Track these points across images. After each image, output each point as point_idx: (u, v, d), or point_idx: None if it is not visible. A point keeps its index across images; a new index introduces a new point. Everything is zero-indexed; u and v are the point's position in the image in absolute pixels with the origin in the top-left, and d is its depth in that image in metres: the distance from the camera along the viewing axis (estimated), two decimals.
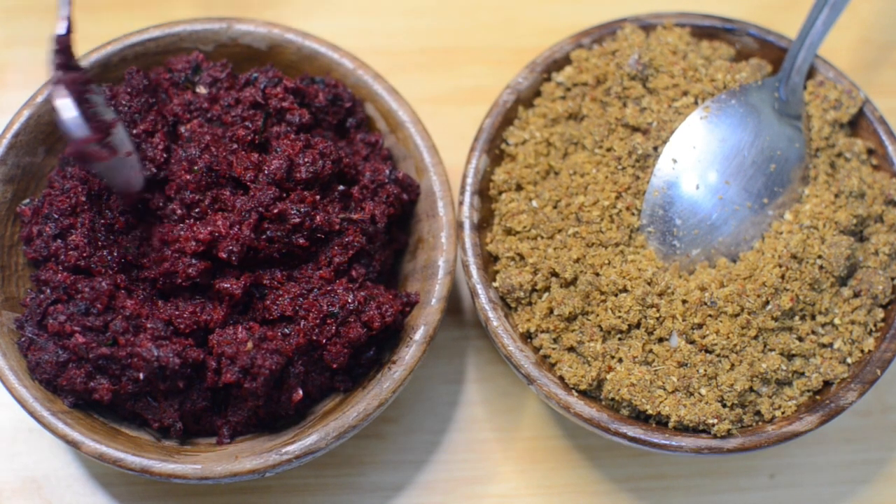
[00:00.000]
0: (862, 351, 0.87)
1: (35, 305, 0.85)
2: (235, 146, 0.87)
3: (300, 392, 0.85)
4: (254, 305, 0.85)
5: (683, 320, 0.85)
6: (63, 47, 0.82)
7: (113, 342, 0.83)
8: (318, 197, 0.85)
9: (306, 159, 0.85)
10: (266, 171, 0.85)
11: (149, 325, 0.83)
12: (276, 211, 0.84)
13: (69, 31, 0.82)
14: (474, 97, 1.02)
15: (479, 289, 0.88)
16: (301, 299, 0.84)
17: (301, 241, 0.85)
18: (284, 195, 0.85)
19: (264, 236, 0.84)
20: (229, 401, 0.85)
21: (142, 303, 0.84)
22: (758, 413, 0.86)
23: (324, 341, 0.84)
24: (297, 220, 0.84)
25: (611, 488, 0.94)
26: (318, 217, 0.85)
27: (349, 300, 0.84)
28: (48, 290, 0.85)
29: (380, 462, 0.93)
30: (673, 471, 0.94)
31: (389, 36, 1.06)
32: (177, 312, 0.84)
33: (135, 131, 0.86)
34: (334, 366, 0.85)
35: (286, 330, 0.84)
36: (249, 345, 0.82)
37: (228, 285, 0.84)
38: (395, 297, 0.87)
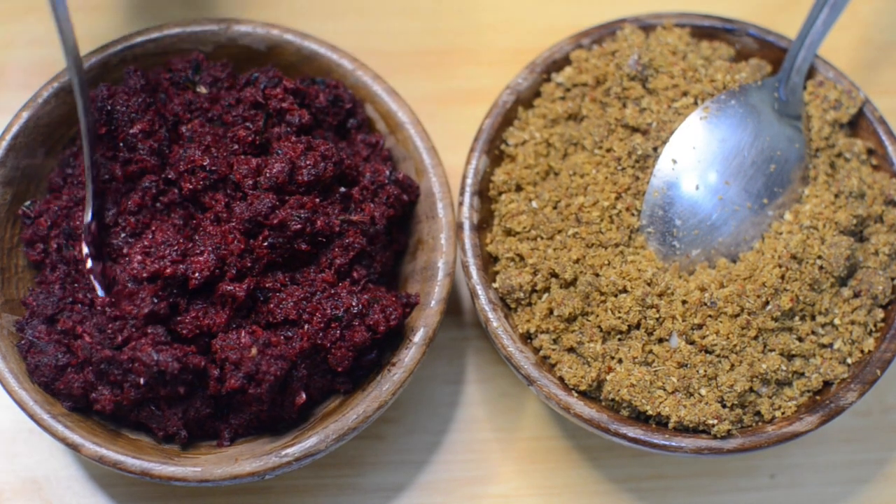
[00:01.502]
0: (862, 351, 0.87)
1: (54, 300, 0.85)
2: (236, 147, 0.87)
3: (303, 395, 0.85)
4: (257, 309, 0.85)
5: (683, 321, 0.85)
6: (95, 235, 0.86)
7: (117, 346, 0.83)
8: (318, 200, 0.85)
9: (308, 162, 0.85)
10: (267, 175, 0.85)
11: (149, 330, 0.83)
12: (276, 221, 0.84)
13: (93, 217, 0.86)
14: (474, 98, 1.01)
15: (479, 290, 0.88)
16: (304, 303, 0.84)
17: (303, 246, 0.85)
18: (285, 199, 0.85)
19: (266, 244, 0.84)
20: (231, 405, 0.85)
21: None
22: (758, 413, 0.86)
23: (328, 345, 0.84)
24: (298, 226, 0.84)
25: (611, 489, 0.94)
26: (318, 221, 0.85)
27: (353, 303, 0.84)
28: (60, 287, 0.85)
29: (380, 463, 0.93)
30: (673, 471, 0.94)
31: (389, 37, 1.06)
32: (179, 317, 0.84)
33: (132, 131, 0.86)
34: (339, 369, 0.85)
35: (289, 333, 0.84)
36: (254, 351, 0.82)
37: (232, 288, 0.83)
38: (397, 299, 0.87)
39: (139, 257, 0.83)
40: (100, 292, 0.85)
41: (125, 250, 0.85)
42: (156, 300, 0.82)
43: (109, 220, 0.86)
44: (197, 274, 0.83)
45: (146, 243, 0.84)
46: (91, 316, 0.84)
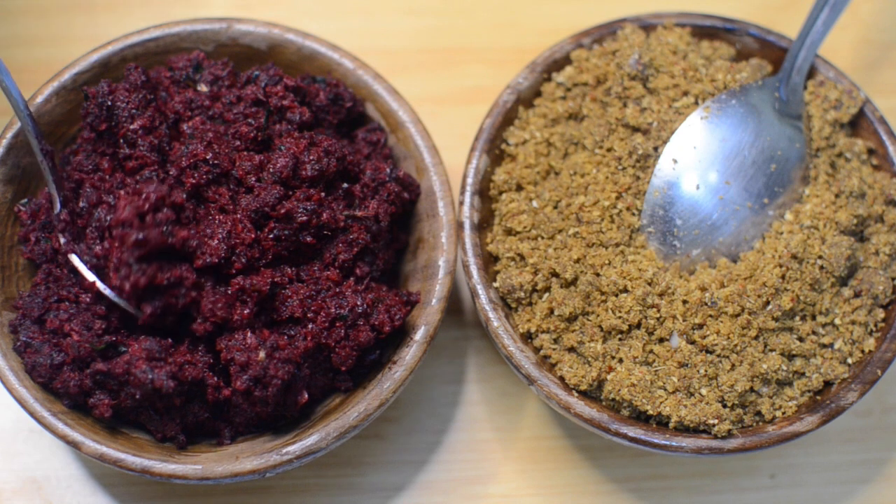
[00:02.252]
0: (862, 351, 0.87)
1: (39, 301, 0.85)
2: (238, 143, 0.86)
3: (306, 395, 0.84)
4: (264, 304, 0.84)
5: (684, 320, 0.85)
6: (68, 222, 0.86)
7: (106, 346, 0.82)
8: (323, 194, 0.85)
9: (311, 157, 0.85)
10: (272, 170, 0.85)
11: (144, 346, 0.82)
12: (283, 211, 0.84)
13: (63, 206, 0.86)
14: (474, 97, 1.02)
15: (480, 289, 0.88)
16: (309, 301, 0.84)
17: (308, 239, 0.85)
18: (290, 193, 0.85)
19: (272, 236, 0.84)
20: (231, 406, 0.85)
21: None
22: (758, 413, 0.86)
23: (332, 344, 0.84)
24: (304, 218, 0.84)
25: (611, 489, 0.94)
26: (324, 214, 0.85)
27: (358, 303, 0.84)
28: (45, 288, 0.85)
29: (380, 462, 0.93)
30: (673, 471, 0.94)
31: (389, 36, 1.06)
32: (200, 313, 0.83)
33: (132, 127, 0.86)
34: (343, 369, 0.85)
35: (292, 332, 0.84)
36: (262, 354, 0.81)
37: (252, 282, 0.83)
38: (399, 298, 0.86)
39: (124, 202, 0.81)
40: (88, 275, 0.84)
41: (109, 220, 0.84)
42: (143, 230, 0.80)
43: (85, 208, 0.85)
44: (208, 257, 0.82)
45: (130, 191, 0.82)
46: (78, 313, 0.84)
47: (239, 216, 0.84)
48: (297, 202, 0.84)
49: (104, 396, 0.83)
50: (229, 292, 0.83)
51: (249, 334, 0.82)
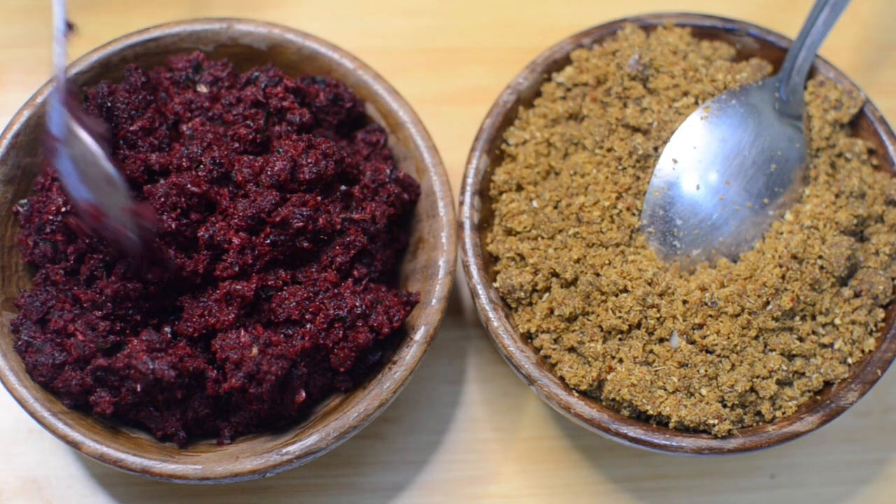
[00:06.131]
0: (862, 351, 0.87)
1: (38, 304, 0.85)
2: (237, 145, 0.86)
3: (303, 394, 0.84)
4: (259, 307, 0.85)
5: (684, 320, 0.85)
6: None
7: (111, 346, 0.83)
8: (319, 198, 0.85)
9: (309, 160, 0.85)
10: (269, 173, 0.85)
11: (144, 337, 0.82)
12: (278, 218, 0.84)
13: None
14: (474, 97, 1.01)
15: (480, 289, 0.88)
16: (307, 302, 0.84)
17: (305, 244, 0.85)
18: (287, 197, 0.85)
19: (268, 241, 0.84)
20: (231, 404, 0.85)
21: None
22: (758, 413, 0.86)
23: (330, 345, 0.84)
24: (300, 224, 0.84)
25: (611, 488, 0.94)
26: (320, 219, 0.85)
27: (357, 304, 0.84)
28: (51, 290, 0.85)
29: (380, 462, 0.93)
30: (673, 471, 0.94)
31: (389, 36, 1.06)
32: (186, 315, 0.83)
33: (132, 128, 0.86)
34: (341, 370, 0.85)
35: (289, 331, 0.84)
36: (254, 351, 0.82)
37: (240, 287, 0.83)
38: (399, 299, 0.86)
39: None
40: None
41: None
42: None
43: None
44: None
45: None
46: (81, 314, 0.84)
47: (234, 221, 0.84)
48: (293, 208, 0.84)
49: (105, 393, 0.83)
50: (216, 296, 0.83)
51: (243, 332, 0.82)
